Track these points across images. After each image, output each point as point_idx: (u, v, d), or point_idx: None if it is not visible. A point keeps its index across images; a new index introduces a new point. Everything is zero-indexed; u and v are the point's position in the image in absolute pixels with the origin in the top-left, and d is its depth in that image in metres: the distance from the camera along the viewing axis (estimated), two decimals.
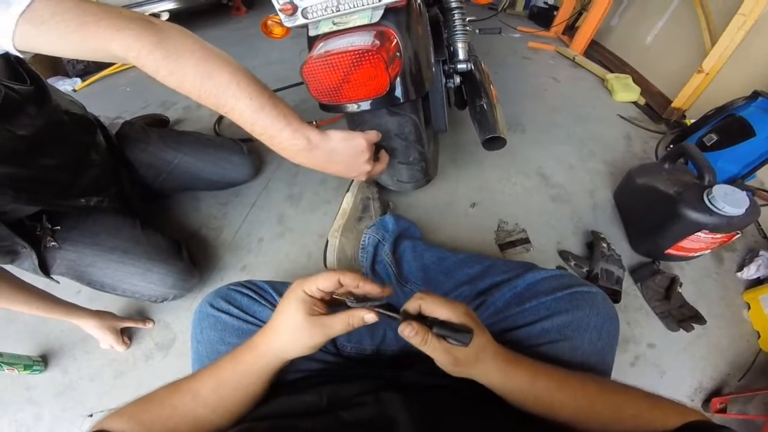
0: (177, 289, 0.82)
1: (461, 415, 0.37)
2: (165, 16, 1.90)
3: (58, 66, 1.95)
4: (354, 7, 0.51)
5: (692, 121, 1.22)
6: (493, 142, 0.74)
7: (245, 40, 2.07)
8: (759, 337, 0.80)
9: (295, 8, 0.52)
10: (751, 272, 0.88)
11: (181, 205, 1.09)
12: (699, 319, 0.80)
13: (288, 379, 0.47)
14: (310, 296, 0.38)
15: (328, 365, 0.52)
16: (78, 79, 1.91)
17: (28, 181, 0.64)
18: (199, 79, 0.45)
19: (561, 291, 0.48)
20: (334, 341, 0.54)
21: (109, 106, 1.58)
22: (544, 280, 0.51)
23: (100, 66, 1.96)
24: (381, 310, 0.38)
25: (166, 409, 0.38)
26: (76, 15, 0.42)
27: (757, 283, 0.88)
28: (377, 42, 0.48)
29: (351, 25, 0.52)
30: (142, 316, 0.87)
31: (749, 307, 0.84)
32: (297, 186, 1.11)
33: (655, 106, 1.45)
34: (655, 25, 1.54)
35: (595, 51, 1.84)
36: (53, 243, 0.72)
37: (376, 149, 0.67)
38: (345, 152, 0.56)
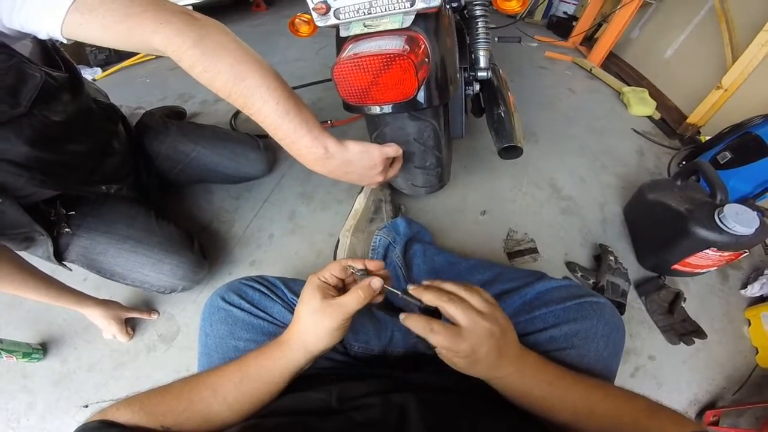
0: (186, 280, 0.82)
1: (471, 416, 0.37)
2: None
3: (81, 55, 1.99)
4: (386, 10, 0.52)
5: (707, 137, 1.21)
6: (510, 151, 0.74)
7: (264, 37, 2.09)
8: (757, 353, 0.82)
9: (328, 8, 0.53)
10: (755, 290, 0.89)
11: (194, 196, 1.11)
12: (700, 333, 0.81)
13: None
14: (324, 282, 0.42)
15: (337, 364, 0.52)
16: (99, 69, 1.95)
17: (56, 166, 0.65)
18: (232, 80, 0.46)
19: (570, 300, 0.48)
20: (341, 341, 0.54)
21: (128, 97, 1.60)
22: (554, 289, 0.52)
23: (122, 56, 2.00)
24: (386, 287, 0.42)
25: (182, 403, 0.38)
26: (123, 5, 0.43)
27: (760, 300, 0.89)
28: (407, 47, 0.49)
29: (382, 28, 0.53)
30: (148, 306, 0.87)
31: (750, 324, 0.86)
32: (310, 184, 1.13)
33: (670, 121, 1.44)
34: (676, 39, 1.53)
35: (613, 63, 1.83)
36: (67, 229, 0.73)
37: None
38: (359, 164, 0.57)
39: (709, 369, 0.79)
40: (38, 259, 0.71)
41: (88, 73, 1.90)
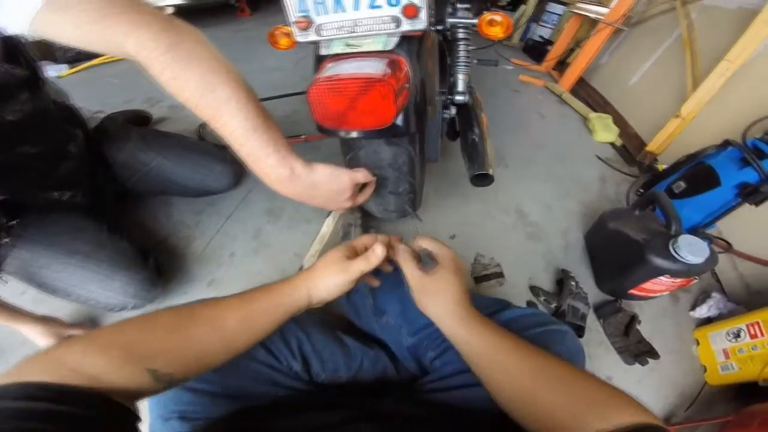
0: (138, 298, 0.77)
1: None
2: (169, 11, 1.88)
3: (48, 50, 1.90)
4: (370, 31, 0.50)
5: (664, 166, 1.27)
6: (481, 179, 0.75)
7: (245, 44, 2.06)
8: (705, 371, 0.86)
9: (309, 23, 0.51)
10: (702, 312, 0.95)
11: (152, 208, 1.05)
12: (653, 354, 0.85)
13: (258, 404, 0.46)
14: (352, 246, 0.49)
15: (302, 393, 0.51)
16: (65, 66, 1.86)
17: (5, 168, 0.62)
18: (201, 90, 0.44)
19: (534, 328, 0.49)
20: (307, 370, 0.53)
21: (92, 97, 1.53)
22: (520, 317, 0.53)
23: (93, 54, 1.92)
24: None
25: (176, 338, 0.34)
26: (100, 6, 0.40)
27: (708, 321, 0.95)
28: (388, 70, 0.48)
29: (364, 48, 0.52)
30: (93, 323, 0.82)
31: (698, 344, 0.90)
32: (278, 200, 1.09)
33: (631, 148, 1.50)
34: (641, 66, 1.59)
35: (581, 88, 1.90)
36: (6, 239, 0.68)
37: None
38: (327, 187, 0.55)
39: (663, 387, 0.83)
40: None
41: (54, 70, 1.81)
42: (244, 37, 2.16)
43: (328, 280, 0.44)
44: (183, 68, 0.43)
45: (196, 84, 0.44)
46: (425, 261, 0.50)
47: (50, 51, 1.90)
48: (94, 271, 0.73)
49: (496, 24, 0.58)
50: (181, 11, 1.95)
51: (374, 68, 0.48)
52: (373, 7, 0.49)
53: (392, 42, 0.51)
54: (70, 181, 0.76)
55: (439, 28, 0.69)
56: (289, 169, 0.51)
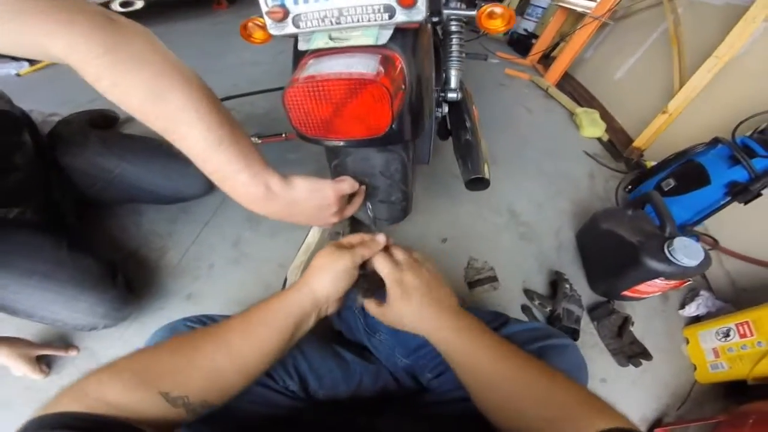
0: (109, 319, 0.72)
1: None
2: (140, 5, 1.73)
3: None
4: (359, 21, 0.43)
5: (651, 163, 1.27)
6: (476, 183, 0.72)
7: (222, 37, 1.98)
8: (695, 369, 0.88)
9: (286, 14, 0.44)
10: (691, 310, 0.96)
11: (120, 218, 0.97)
12: (646, 355, 0.86)
13: (254, 425, 0.45)
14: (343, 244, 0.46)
15: (299, 412, 0.49)
16: (26, 63, 1.71)
17: None
18: (151, 98, 0.38)
19: (534, 343, 0.48)
20: (305, 387, 0.50)
21: (53, 97, 1.41)
22: (519, 333, 0.51)
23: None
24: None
25: (180, 360, 0.34)
26: (17, 0, 0.33)
27: (697, 320, 0.96)
28: (382, 69, 0.41)
29: (352, 42, 0.45)
30: (64, 342, 0.76)
31: (688, 342, 0.91)
32: None
33: (618, 143, 1.50)
34: (627, 61, 1.59)
35: (567, 83, 1.90)
36: None
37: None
38: (308, 204, 0.49)
39: (655, 387, 0.84)
40: None
41: (12, 68, 1.66)
42: (222, 30, 2.08)
43: (327, 272, 0.42)
44: (124, 73, 0.36)
45: (143, 91, 0.37)
46: (379, 292, 0.46)
47: None
48: (57, 293, 0.67)
49: (496, 16, 0.52)
50: (153, 4, 1.83)
51: (365, 66, 0.41)
52: None
53: (385, 35, 0.44)
54: (18, 196, 0.69)
55: (435, 20, 0.63)
56: (263, 187, 0.44)
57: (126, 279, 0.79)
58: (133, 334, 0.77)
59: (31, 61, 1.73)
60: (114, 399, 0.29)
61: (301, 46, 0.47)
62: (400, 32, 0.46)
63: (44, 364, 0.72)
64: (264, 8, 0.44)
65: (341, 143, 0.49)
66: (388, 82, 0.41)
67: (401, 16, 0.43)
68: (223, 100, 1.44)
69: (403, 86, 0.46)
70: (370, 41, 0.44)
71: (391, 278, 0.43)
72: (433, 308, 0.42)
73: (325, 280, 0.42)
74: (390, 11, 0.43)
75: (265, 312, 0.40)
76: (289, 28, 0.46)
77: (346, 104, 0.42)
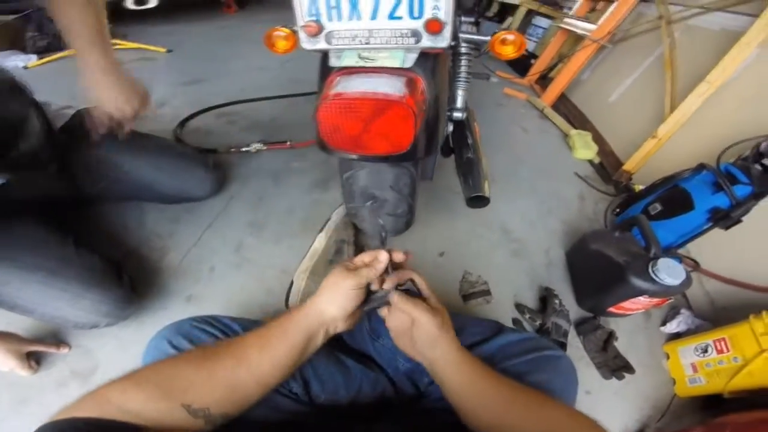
0: (111, 317, 0.72)
1: None
2: (153, 3, 1.78)
3: (17, 38, 1.77)
4: (387, 43, 0.46)
5: (640, 186, 1.30)
6: (477, 200, 0.74)
7: (230, 41, 2.01)
8: (675, 383, 0.90)
9: (320, 29, 0.46)
10: (672, 327, 0.99)
11: (122, 215, 0.97)
12: (629, 368, 0.89)
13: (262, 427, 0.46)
14: (353, 263, 0.47)
15: (300, 416, 0.50)
16: (34, 56, 1.73)
17: None
18: None
19: (527, 354, 0.50)
20: (308, 391, 0.52)
21: (60, 91, 1.41)
22: (513, 343, 0.53)
23: (64, 44, 1.81)
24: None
25: (203, 373, 0.35)
26: None
27: (677, 336, 0.99)
28: (407, 91, 0.44)
29: (379, 63, 0.47)
30: (56, 339, 0.75)
31: (668, 357, 0.95)
32: (261, 211, 1.05)
33: (608, 166, 1.53)
34: (622, 84, 1.60)
35: (562, 104, 1.93)
36: None
37: (366, 199, 0.64)
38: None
39: (637, 400, 0.87)
40: None
41: (20, 60, 1.69)
42: (230, 35, 2.10)
43: (335, 288, 0.44)
44: None
45: None
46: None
47: (19, 40, 1.77)
48: (62, 290, 0.67)
49: (508, 43, 0.55)
50: (165, 3, 1.86)
51: (392, 87, 0.44)
52: (392, 17, 0.45)
53: (411, 59, 0.47)
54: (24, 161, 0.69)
55: (452, 44, 0.68)
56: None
57: (131, 279, 0.80)
58: (129, 334, 0.78)
59: (39, 54, 1.75)
60: (136, 408, 0.30)
61: (333, 62, 0.50)
62: (423, 56, 0.49)
63: (33, 360, 0.71)
64: (300, 22, 0.47)
65: (365, 157, 0.52)
66: (412, 103, 0.44)
67: (427, 42, 0.46)
68: (229, 104, 1.47)
69: (424, 107, 0.49)
70: (396, 63, 0.47)
71: (433, 303, 0.47)
72: (426, 350, 0.46)
73: (331, 301, 0.44)
74: (417, 36, 0.46)
75: (280, 329, 0.42)
76: (321, 44, 0.48)
77: (373, 121, 0.45)
